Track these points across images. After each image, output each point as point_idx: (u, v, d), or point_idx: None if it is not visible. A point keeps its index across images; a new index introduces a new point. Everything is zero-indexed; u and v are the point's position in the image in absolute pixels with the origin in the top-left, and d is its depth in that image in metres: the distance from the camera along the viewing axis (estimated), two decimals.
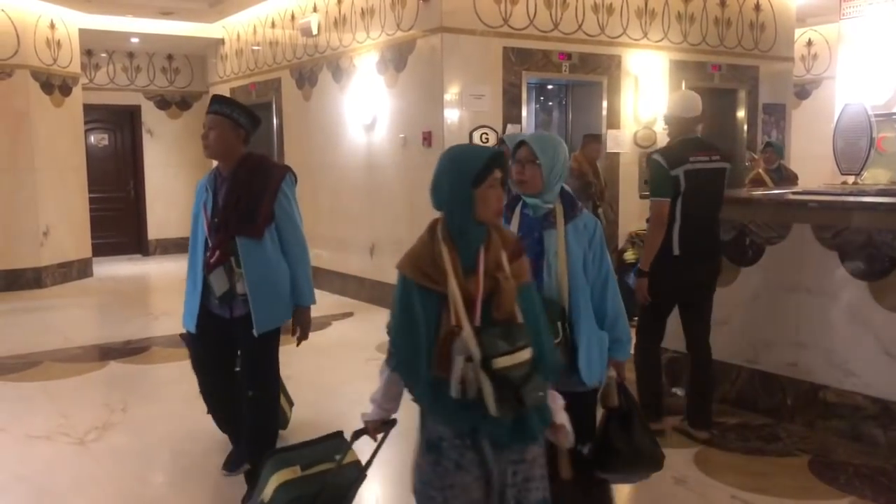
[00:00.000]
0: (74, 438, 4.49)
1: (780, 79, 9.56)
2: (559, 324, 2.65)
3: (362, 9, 8.10)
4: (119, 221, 12.46)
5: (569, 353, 2.68)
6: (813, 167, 9.21)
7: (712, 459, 4.06)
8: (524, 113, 7.53)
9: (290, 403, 4.56)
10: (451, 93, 7.11)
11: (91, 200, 10.76)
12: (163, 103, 12.69)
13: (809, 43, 11.86)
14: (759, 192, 5.52)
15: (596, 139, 7.72)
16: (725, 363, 4.81)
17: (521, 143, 2.81)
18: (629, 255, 6.71)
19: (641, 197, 7.72)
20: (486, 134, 7.21)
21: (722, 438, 4.33)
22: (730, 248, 4.74)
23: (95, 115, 11.86)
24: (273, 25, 9.92)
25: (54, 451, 4.34)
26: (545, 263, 2.72)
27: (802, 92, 11.54)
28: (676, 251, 4.11)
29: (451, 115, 7.12)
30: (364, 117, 8.18)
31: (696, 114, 4.26)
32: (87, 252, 10.55)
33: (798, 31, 10.51)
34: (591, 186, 7.27)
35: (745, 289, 4.72)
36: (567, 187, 2.83)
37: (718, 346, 4.85)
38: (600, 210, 7.35)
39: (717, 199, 4.24)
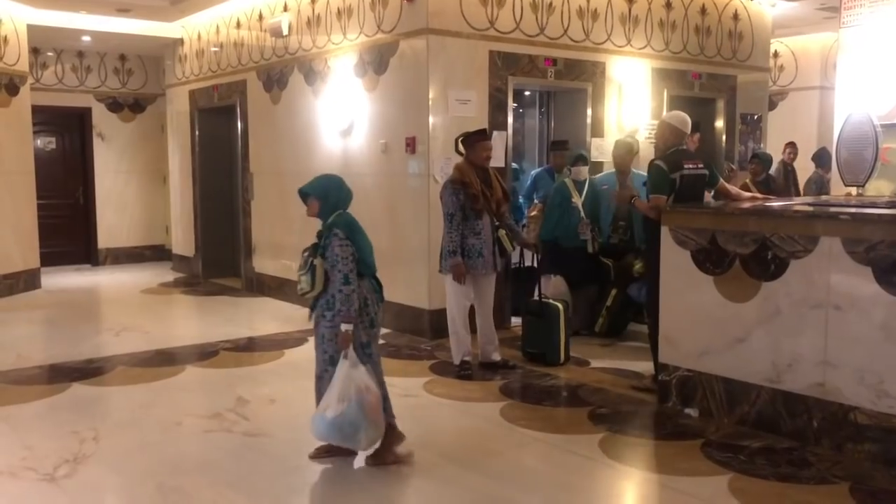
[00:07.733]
0: (43, 474, 4.01)
1: (756, 89, 9.50)
2: None
3: (339, 9, 7.71)
4: (67, 230, 11.75)
5: None
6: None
7: (749, 489, 3.80)
8: (510, 119, 7.24)
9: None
10: (436, 97, 6.78)
11: (37, 207, 10.09)
12: (115, 106, 12.07)
13: (776, 55, 11.89)
14: (779, 204, 5.34)
15: (481, 136, 5.74)
16: (744, 382, 4.60)
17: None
18: (638, 268, 6.40)
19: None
20: None
21: (750, 464, 4.09)
22: (749, 261, 4.54)
23: (42, 118, 11.13)
24: (238, 25, 9.45)
25: (21, 491, 3.84)
26: None
27: (769, 103, 11.55)
28: None
29: (436, 121, 6.79)
30: (340, 122, 7.79)
31: (688, 129, 5.28)
32: (35, 262, 9.89)
33: None
34: (478, 201, 5.58)
35: (767, 305, 4.49)
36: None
37: (736, 364, 4.67)
38: (500, 232, 5.70)
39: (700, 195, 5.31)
